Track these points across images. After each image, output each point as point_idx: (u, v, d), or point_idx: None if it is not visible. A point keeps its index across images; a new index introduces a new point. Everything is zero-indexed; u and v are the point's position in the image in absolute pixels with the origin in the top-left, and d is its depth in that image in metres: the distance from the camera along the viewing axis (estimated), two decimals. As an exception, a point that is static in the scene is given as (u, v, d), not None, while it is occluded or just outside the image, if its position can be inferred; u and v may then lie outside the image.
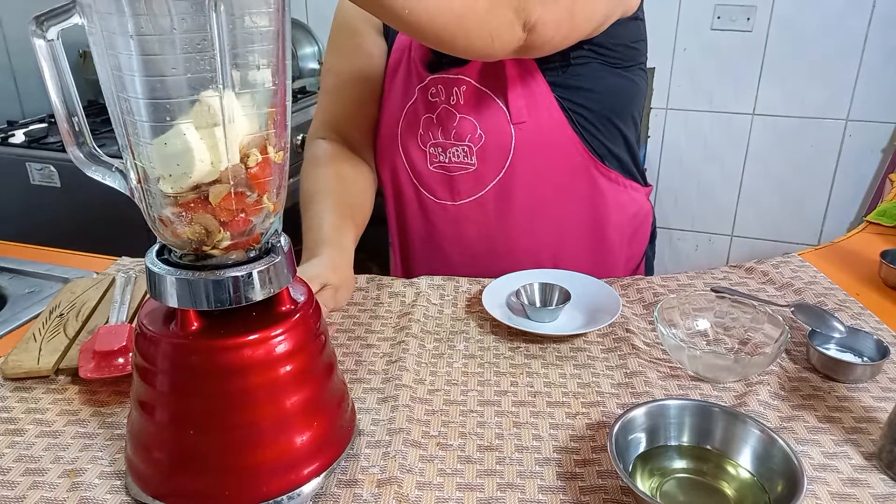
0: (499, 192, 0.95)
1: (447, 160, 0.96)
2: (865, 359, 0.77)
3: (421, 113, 0.97)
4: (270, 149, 0.53)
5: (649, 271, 1.14)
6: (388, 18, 0.70)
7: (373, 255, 1.30)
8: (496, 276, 0.94)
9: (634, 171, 1.03)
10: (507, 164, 0.94)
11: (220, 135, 0.49)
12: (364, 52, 1.03)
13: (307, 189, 0.99)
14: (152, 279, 0.54)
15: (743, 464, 0.59)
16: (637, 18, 0.95)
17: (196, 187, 0.51)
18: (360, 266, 0.94)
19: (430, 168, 0.98)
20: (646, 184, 1.06)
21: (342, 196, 0.97)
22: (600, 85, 0.93)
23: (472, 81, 0.92)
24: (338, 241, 0.90)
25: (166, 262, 0.54)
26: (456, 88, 0.93)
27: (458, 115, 0.94)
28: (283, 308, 0.57)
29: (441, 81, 0.94)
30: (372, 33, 1.03)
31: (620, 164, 1.00)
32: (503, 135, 0.93)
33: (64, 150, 0.53)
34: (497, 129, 0.93)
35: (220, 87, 0.48)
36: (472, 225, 0.98)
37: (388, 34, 1.03)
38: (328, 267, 0.85)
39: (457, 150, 0.95)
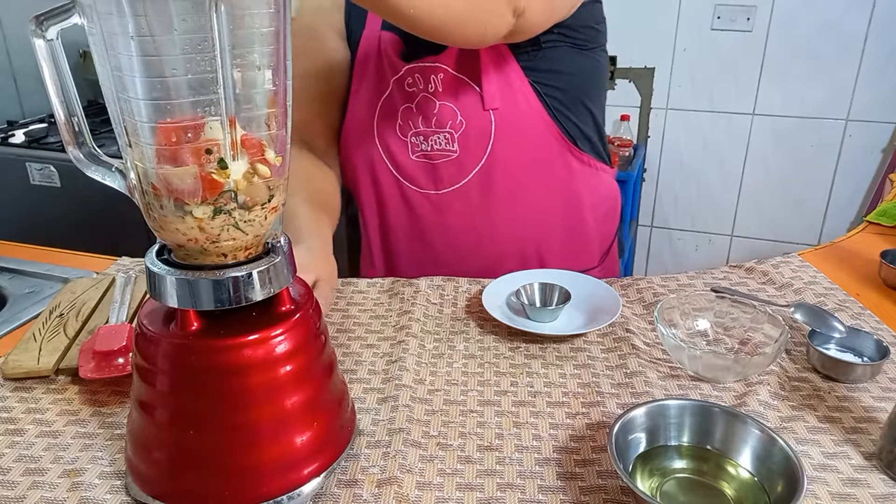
0: (481, 179, 0.96)
1: (429, 148, 0.97)
2: (865, 359, 0.77)
3: (398, 104, 0.98)
4: (270, 153, 0.53)
5: (621, 252, 1.16)
6: (391, 15, 0.72)
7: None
8: (479, 265, 0.95)
9: (602, 151, 1.06)
10: (488, 150, 0.95)
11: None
12: (326, 54, 1.02)
13: None
14: (152, 279, 0.54)
15: (743, 464, 0.60)
16: (597, 0, 0.99)
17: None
18: (356, 268, 0.94)
19: (413, 158, 0.98)
20: (610, 164, 1.09)
21: (312, 193, 0.98)
22: (570, 66, 0.96)
23: (449, 69, 0.94)
24: (319, 231, 0.91)
25: (166, 262, 0.54)
26: (433, 76, 0.94)
27: (437, 103, 0.95)
28: (283, 308, 0.57)
29: (417, 70, 0.95)
30: (335, 38, 1.03)
31: (591, 145, 1.02)
32: (482, 120, 0.94)
33: (64, 150, 0.53)
34: (476, 115, 0.94)
35: (221, 88, 0.48)
36: (456, 214, 0.99)
37: (351, 37, 1.03)
38: (320, 259, 0.85)
39: (438, 138, 0.96)
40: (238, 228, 0.53)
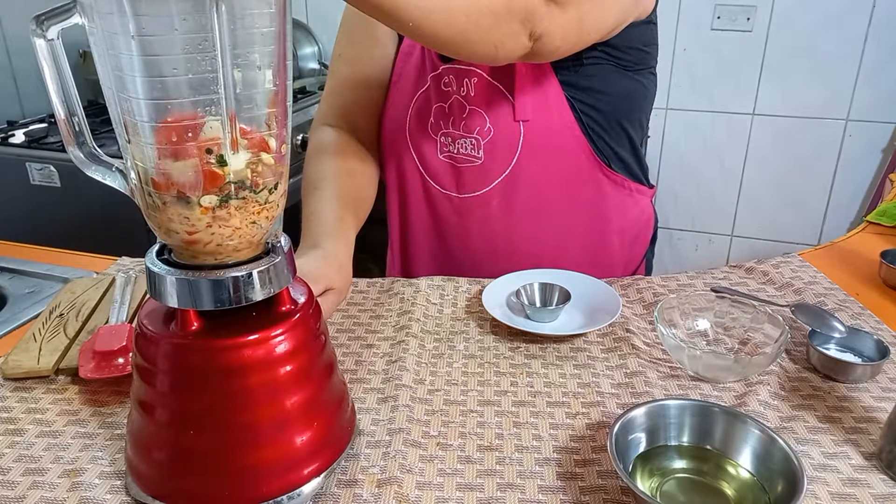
0: (504, 189, 0.95)
1: (455, 151, 0.96)
2: (865, 359, 0.77)
3: (433, 101, 0.97)
4: (271, 147, 0.53)
5: (648, 273, 1.14)
6: (393, 27, 0.71)
7: (373, 256, 1.29)
8: (494, 274, 0.94)
9: (639, 173, 1.03)
10: (514, 161, 0.94)
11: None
12: (377, 40, 1.02)
13: (312, 175, 0.96)
14: (152, 279, 0.54)
15: (743, 464, 0.60)
16: (650, 22, 0.95)
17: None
18: (361, 267, 0.94)
19: (440, 157, 0.98)
20: (650, 185, 1.07)
21: (348, 189, 0.95)
22: (611, 86, 0.94)
23: (484, 74, 0.92)
24: (342, 234, 0.88)
25: (166, 262, 0.55)
26: (467, 80, 0.93)
27: (468, 107, 0.94)
28: (283, 308, 0.57)
29: (453, 72, 0.94)
30: (384, 26, 1.02)
31: (625, 166, 1.00)
32: (511, 131, 0.93)
33: (64, 150, 0.53)
34: (505, 125, 0.93)
35: (222, 88, 0.48)
36: (475, 220, 0.98)
37: None
38: (333, 267, 0.81)
39: (465, 142, 0.95)
40: (247, 211, 0.52)
